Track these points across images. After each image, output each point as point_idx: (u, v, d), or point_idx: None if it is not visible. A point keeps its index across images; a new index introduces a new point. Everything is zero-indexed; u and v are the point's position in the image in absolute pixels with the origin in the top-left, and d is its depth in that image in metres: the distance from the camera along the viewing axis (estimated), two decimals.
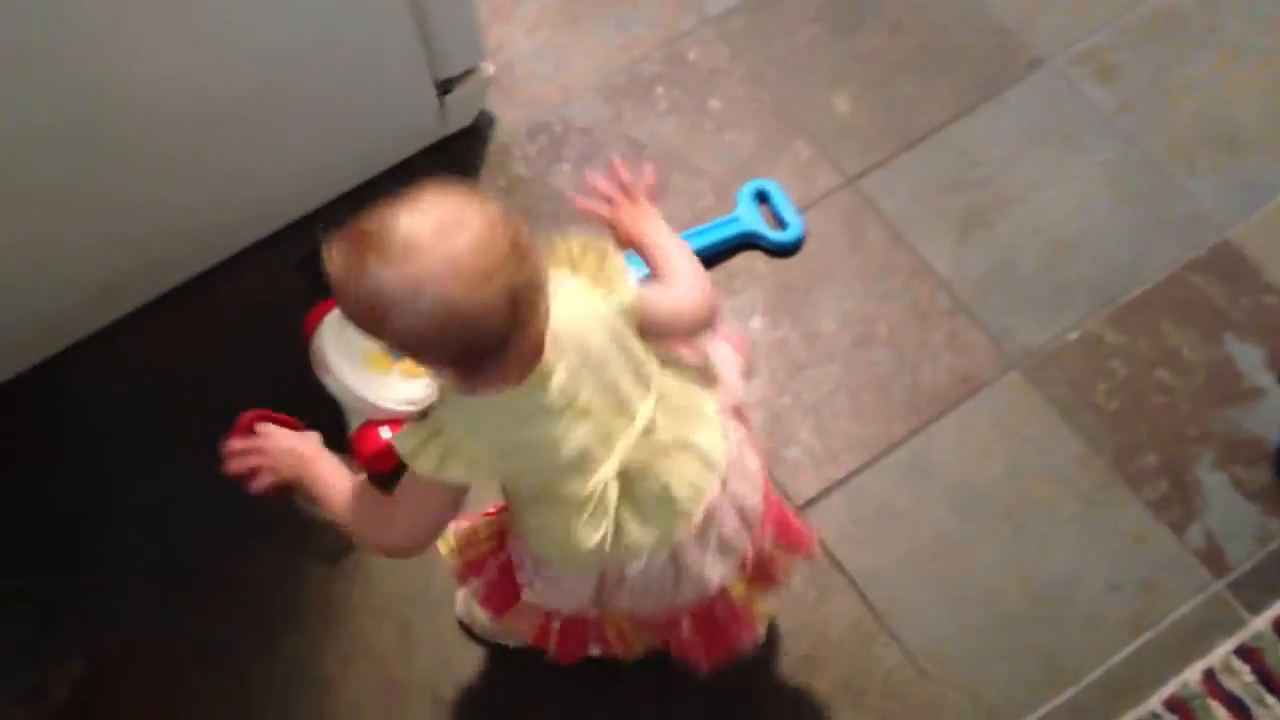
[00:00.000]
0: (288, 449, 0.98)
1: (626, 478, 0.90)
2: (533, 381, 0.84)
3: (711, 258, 1.40)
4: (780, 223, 1.43)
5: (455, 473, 0.86)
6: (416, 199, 0.78)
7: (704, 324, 0.97)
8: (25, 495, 1.32)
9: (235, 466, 0.98)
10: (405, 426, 0.89)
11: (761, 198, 1.44)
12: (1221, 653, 1.17)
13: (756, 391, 1.33)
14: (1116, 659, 1.18)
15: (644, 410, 0.89)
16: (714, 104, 1.52)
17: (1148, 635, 1.19)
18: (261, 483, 0.97)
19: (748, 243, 1.42)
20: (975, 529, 1.24)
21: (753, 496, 0.96)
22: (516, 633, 1.06)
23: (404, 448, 0.87)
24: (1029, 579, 1.21)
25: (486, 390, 0.84)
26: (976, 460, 1.28)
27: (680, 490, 0.90)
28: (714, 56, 1.56)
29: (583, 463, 0.88)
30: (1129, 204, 1.42)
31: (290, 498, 1.07)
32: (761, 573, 1.02)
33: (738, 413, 0.99)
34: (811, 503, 1.26)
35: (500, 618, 1.06)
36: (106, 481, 1.32)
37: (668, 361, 0.94)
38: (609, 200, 1.02)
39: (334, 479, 0.95)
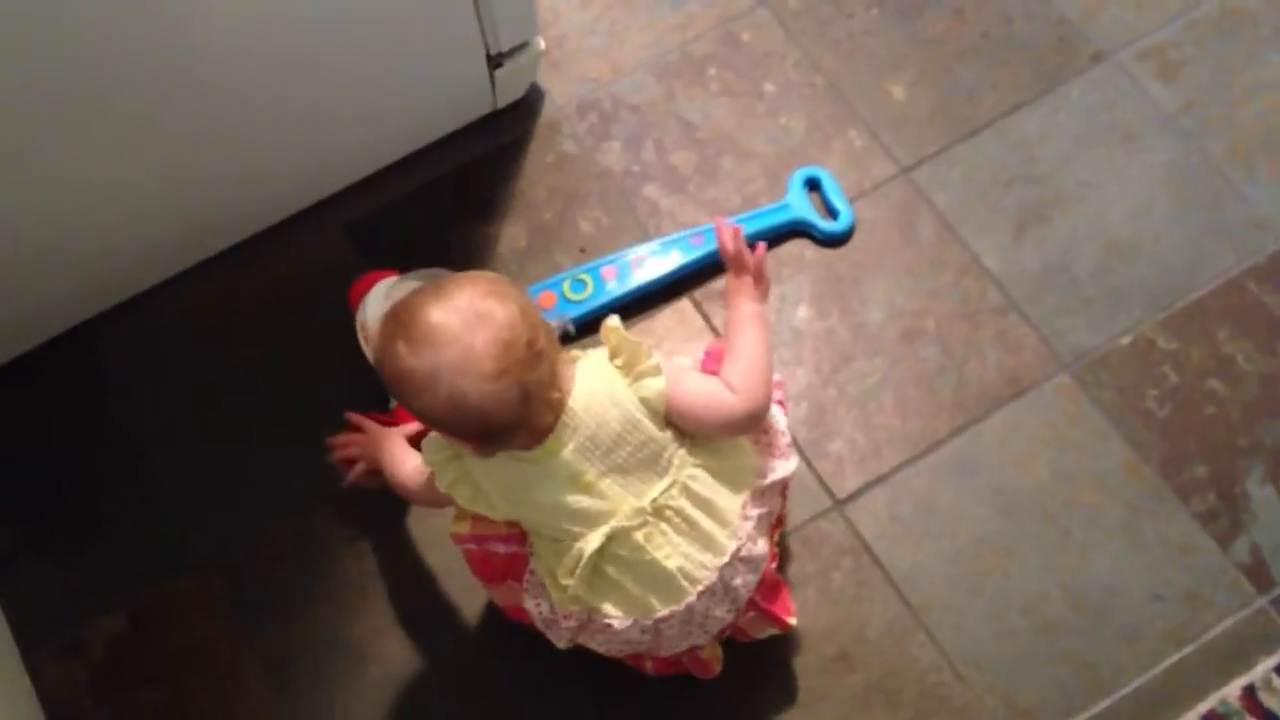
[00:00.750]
0: (369, 436, 1.13)
1: (623, 554, 0.94)
2: (542, 451, 0.91)
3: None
4: (831, 212, 1.41)
5: (462, 498, 0.95)
6: (450, 290, 0.86)
7: (748, 424, 0.99)
8: (67, 453, 1.33)
9: (337, 457, 1.15)
10: (434, 436, 0.97)
11: (812, 185, 1.42)
12: (1262, 670, 1.15)
13: (800, 382, 1.31)
14: (1156, 671, 1.16)
15: (651, 494, 0.93)
16: (768, 87, 1.50)
17: (1188, 648, 1.17)
18: (356, 473, 1.13)
19: (797, 230, 1.40)
20: (1018, 532, 1.23)
21: (747, 581, 0.99)
22: (495, 598, 1.13)
23: (428, 458, 0.97)
24: (1070, 585, 1.20)
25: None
26: (1022, 462, 1.26)
27: (677, 573, 0.95)
28: (769, 38, 1.53)
29: (577, 531, 0.93)
30: (1187, 207, 1.39)
31: (372, 486, 1.11)
32: (734, 632, 1.07)
33: (781, 486, 1.03)
34: (852, 497, 1.25)
35: (483, 582, 1.09)
36: (153, 440, 1.32)
37: (704, 443, 0.97)
38: (732, 257, 1.06)
39: (398, 451, 1.08)
